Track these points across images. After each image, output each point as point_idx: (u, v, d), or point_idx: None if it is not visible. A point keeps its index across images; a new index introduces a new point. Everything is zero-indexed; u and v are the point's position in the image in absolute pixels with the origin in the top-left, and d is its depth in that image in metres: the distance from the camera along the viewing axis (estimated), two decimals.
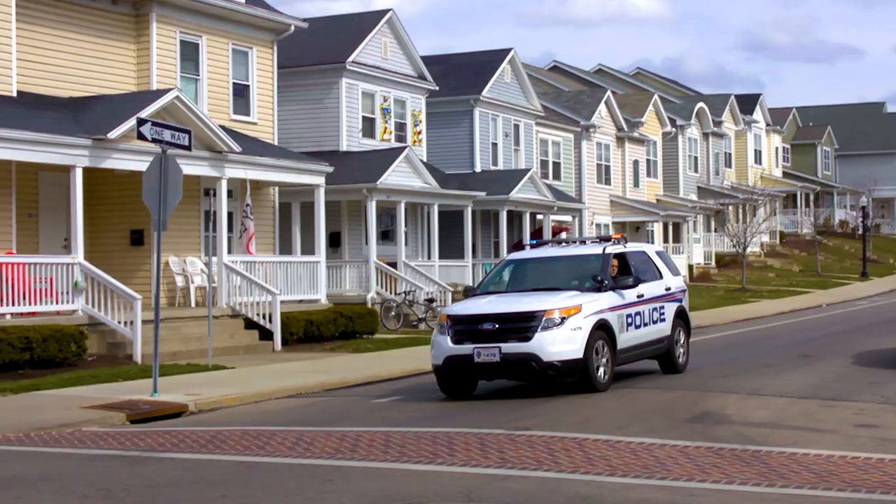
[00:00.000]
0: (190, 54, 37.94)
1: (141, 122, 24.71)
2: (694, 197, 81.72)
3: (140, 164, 29.21)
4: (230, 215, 35.96)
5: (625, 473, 13.54)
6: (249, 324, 34.42)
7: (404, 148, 47.67)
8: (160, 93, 33.15)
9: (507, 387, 23.62)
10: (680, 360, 25.51)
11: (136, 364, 28.94)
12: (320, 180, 38.74)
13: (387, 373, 27.62)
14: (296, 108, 47.33)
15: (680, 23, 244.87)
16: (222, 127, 34.78)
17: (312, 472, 14.54)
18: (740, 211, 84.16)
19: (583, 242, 26.59)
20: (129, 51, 36.23)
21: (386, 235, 48.43)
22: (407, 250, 47.27)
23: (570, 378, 21.71)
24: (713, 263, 79.67)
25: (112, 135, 30.40)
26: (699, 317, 46.98)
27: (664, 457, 14.61)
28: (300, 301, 36.81)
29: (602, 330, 22.14)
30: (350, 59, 47.62)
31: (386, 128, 50.03)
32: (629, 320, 23.39)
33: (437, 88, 53.67)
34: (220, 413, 21.93)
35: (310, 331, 35.31)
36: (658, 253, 26.97)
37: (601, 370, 21.99)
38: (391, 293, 44.22)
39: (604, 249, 24.38)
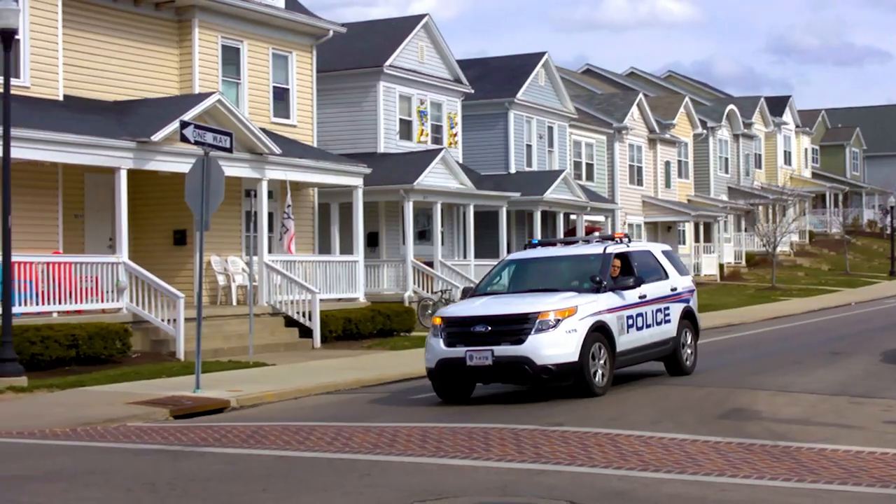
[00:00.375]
0: (231, 59, 38.02)
1: (184, 124, 24.74)
2: (724, 197, 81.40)
3: (183, 166, 29.28)
4: (270, 216, 35.96)
5: (657, 468, 13.52)
6: (289, 322, 34.42)
7: (440, 150, 47.66)
8: (202, 96, 33.22)
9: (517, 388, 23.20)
10: (687, 362, 24.45)
11: (178, 361, 29.00)
12: (358, 181, 38.72)
13: (423, 370, 27.54)
14: (334, 110, 47.26)
15: (710, 26, 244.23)
16: (263, 129, 34.83)
17: (351, 466, 14.52)
18: (770, 211, 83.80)
19: (586, 242, 25.69)
20: (172, 55, 36.35)
21: (423, 235, 48.45)
22: (443, 250, 47.25)
23: (566, 382, 20.87)
24: (743, 262, 79.40)
25: (155, 137, 30.46)
26: (730, 315, 46.94)
27: (695, 452, 14.57)
28: (339, 299, 36.81)
29: (599, 332, 21.14)
30: (387, 62, 47.59)
31: (422, 130, 49.99)
32: (630, 322, 22.35)
33: (473, 91, 53.60)
34: (260, 409, 21.94)
35: (348, 328, 35.29)
36: (665, 252, 25.89)
37: (598, 374, 20.98)
38: (428, 292, 44.15)
39: (604, 249, 23.37)
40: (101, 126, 30.62)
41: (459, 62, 53.61)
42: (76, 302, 29.20)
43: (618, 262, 23.07)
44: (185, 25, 36.50)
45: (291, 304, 34.66)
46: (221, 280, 35.78)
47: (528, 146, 58.41)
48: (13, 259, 25.74)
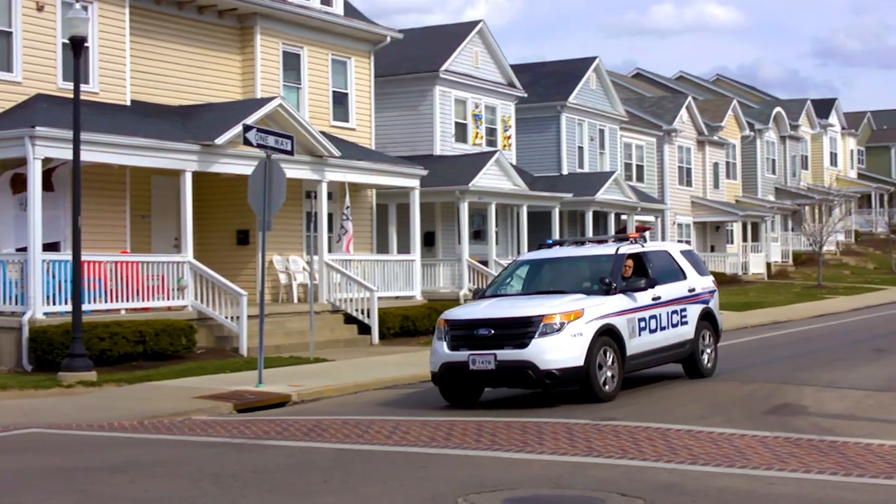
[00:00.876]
0: (292, 64, 38.10)
1: (247, 128, 24.96)
2: (772, 198, 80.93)
3: (245, 169, 29.42)
4: (330, 216, 35.98)
5: (706, 462, 13.43)
6: (349, 319, 34.46)
7: (494, 152, 47.56)
8: (264, 101, 33.26)
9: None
10: (706, 364, 23.21)
11: (241, 357, 29.11)
12: (415, 183, 38.70)
13: None
14: (392, 114, 47.27)
15: (755, 31, 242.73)
16: (322, 132, 34.84)
17: (408, 458, 14.54)
18: (816, 211, 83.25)
19: (600, 242, 24.12)
20: (235, 61, 36.44)
21: (477, 235, 48.36)
22: (497, 249, 47.08)
23: (571, 387, 19.91)
24: (790, 261, 78.84)
25: (219, 140, 30.55)
26: (777, 312, 46.65)
27: (743, 446, 14.47)
28: (396, 297, 36.81)
29: (607, 335, 20.13)
30: (443, 67, 47.56)
31: (477, 133, 49.88)
32: (642, 324, 21.23)
33: (526, 95, 53.45)
34: (321, 403, 21.98)
35: (405, 325, 35.30)
36: (684, 252, 24.59)
37: (605, 378, 19.91)
38: None
39: (616, 250, 22.30)
40: (166, 130, 30.77)
41: (512, 67, 53.44)
42: (143, 300, 29.38)
43: (630, 263, 22.11)
44: (247, 32, 36.59)
45: (350, 301, 34.66)
46: (283, 279, 35.79)
47: (580, 148, 58.24)
48: (83, 258, 25.88)
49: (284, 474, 13.71)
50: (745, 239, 72.32)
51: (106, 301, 28.52)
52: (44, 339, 26.11)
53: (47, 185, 28.44)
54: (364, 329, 34.11)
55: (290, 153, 26.13)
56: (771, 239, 75.84)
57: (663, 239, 61.75)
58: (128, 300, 29.06)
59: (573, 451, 14.50)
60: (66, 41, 27.32)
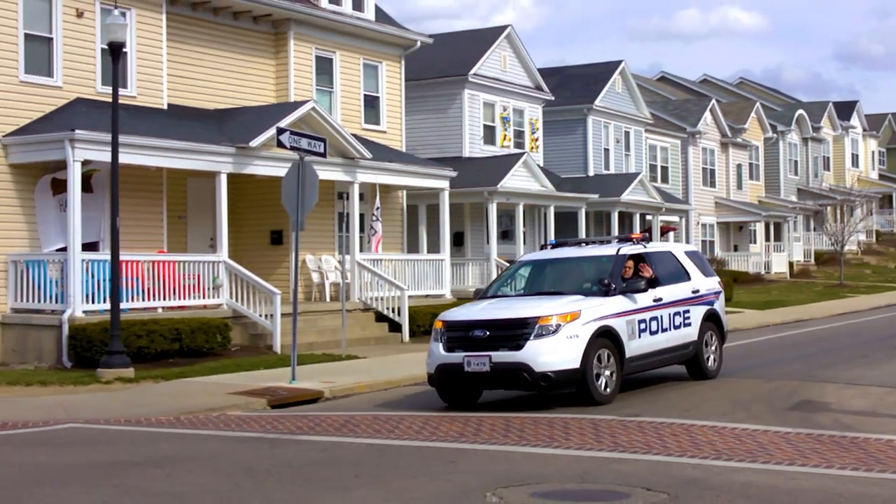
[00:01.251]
0: (324, 68, 38.10)
1: (280, 131, 24.95)
2: (794, 198, 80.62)
3: (279, 170, 29.45)
4: (361, 217, 35.98)
5: (730, 457, 13.39)
6: (380, 317, 34.39)
7: (522, 154, 47.57)
8: (297, 104, 33.30)
9: None
10: (710, 365, 22.57)
11: (275, 354, 29.13)
12: (445, 184, 38.66)
13: None
14: (422, 117, 47.33)
15: (778, 35, 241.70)
16: (354, 135, 34.84)
17: (438, 453, 14.54)
18: (838, 211, 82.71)
19: (603, 243, 23.56)
20: (269, 66, 36.44)
21: (505, 235, 48.38)
22: (525, 248, 46.79)
23: (567, 389, 19.30)
24: (812, 261, 78.53)
25: (253, 143, 30.58)
26: (799, 311, 46.46)
27: (766, 442, 14.41)
28: (426, 296, 36.72)
29: (605, 337, 19.56)
30: (472, 71, 47.52)
31: (505, 135, 49.87)
32: (642, 326, 20.63)
33: (553, 98, 53.40)
34: (352, 399, 21.98)
35: None
36: (689, 253, 23.88)
37: (603, 381, 19.32)
38: None
39: (617, 251, 21.66)
40: (202, 133, 30.84)
41: (540, 70, 53.31)
42: (179, 298, 29.41)
43: (631, 264, 21.44)
44: (281, 37, 36.59)
45: (381, 300, 34.60)
46: (315, 277, 35.81)
47: (606, 150, 58.14)
48: (122, 258, 26.01)
49: (316, 468, 13.72)
50: (767, 238, 72.06)
51: (143, 300, 28.64)
52: (83, 337, 26.17)
53: (86, 186, 28.52)
54: (395, 327, 34.07)
55: (323, 155, 26.06)
56: (793, 238, 75.57)
57: (688, 239, 61.93)
58: (165, 298, 29.08)
59: (599, 447, 14.49)
60: (105, 47, 27.50)
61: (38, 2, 29.12)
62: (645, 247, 22.32)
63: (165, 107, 31.93)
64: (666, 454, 13.77)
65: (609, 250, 22.04)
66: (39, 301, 27.67)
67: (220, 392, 22.01)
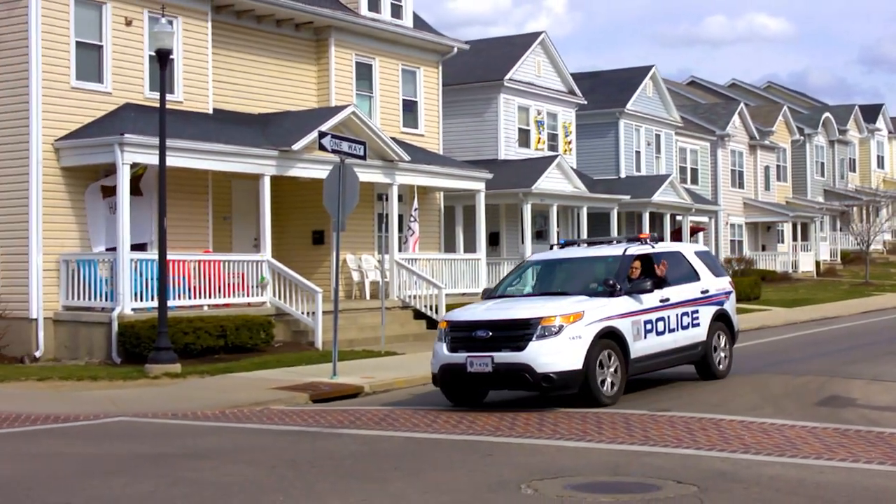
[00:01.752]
0: (364, 74, 38.15)
1: (322, 134, 25.08)
2: (821, 199, 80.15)
3: (320, 173, 29.57)
4: (400, 217, 36.02)
5: (758, 451, 13.35)
6: (418, 314, 34.54)
7: (556, 156, 47.55)
8: (338, 108, 33.41)
9: None
10: (720, 366, 22.01)
11: (317, 350, 29.18)
12: (481, 186, 38.73)
13: None
14: (459, 120, 47.33)
15: (804, 40, 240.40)
16: (393, 138, 34.93)
17: (474, 447, 14.56)
18: (864, 212, 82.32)
19: (611, 243, 23.01)
20: (311, 71, 36.53)
21: (540, 235, 48.39)
22: None
23: (569, 391, 18.70)
24: (839, 260, 78.03)
25: (296, 146, 30.71)
26: (826, 308, 46.21)
27: (794, 437, 14.36)
28: (463, 294, 36.57)
29: (609, 338, 19.04)
30: (507, 76, 47.56)
31: (539, 138, 49.89)
32: (648, 327, 20.13)
33: (586, 102, 53.35)
34: (391, 394, 22.04)
35: None
36: (699, 254, 23.32)
37: (607, 382, 18.83)
38: None
39: (624, 251, 21.20)
40: (247, 137, 30.96)
41: (572, 75, 53.26)
42: (225, 296, 29.60)
43: (637, 265, 20.90)
44: (322, 44, 36.65)
45: (420, 298, 34.76)
46: (356, 276, 35.90)
47: (637, 152, 58.15)
48: (169, 258, 26.23)
49: (357, 461, 13.76)
50: (795, 238, 71.66)
51: (190, 297, 28.83)
52: (131, 334, 26.34)
53: (135, 189, 28.70)
54: (432, 324, 33.87)
55: (363, 158, 26.08)
56: (820, 238, 75.16)
57: (716, 239, 61.85)
58: (210, 296, 29.26)
59: (631, 440, 14.48)
60: (153, 53, 27.56)
61: (89, 11, 29.30)
62: (653, 247, 21.80)
63: (211, 111, 32.09)
64: (696, 448, 13.75)
65: (616, 251, 21.58)
66: (90, 299, 27.85)
67: (264, 387, 22.12)
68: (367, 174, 32.59)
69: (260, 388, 22.05)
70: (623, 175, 56.35)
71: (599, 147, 56.80)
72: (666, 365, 21.12)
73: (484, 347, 18.75)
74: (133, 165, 27.55)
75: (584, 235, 47.81)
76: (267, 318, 29.08)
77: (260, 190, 30.78)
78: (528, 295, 21.31)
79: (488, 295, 21.97)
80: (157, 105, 25.78)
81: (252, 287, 30.19)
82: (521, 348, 18.40)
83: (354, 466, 13.38)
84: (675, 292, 21.15)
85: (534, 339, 18.38)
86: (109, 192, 28.40)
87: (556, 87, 51.29)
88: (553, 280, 21.82)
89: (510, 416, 17.37)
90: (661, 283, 20.84)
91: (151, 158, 26.87)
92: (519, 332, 18.61)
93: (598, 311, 19.07)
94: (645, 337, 20.01)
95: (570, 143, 52.29)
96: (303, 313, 30.32)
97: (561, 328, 18.40)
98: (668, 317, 20.74)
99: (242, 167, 30.39)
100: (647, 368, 20.44)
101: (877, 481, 11.57)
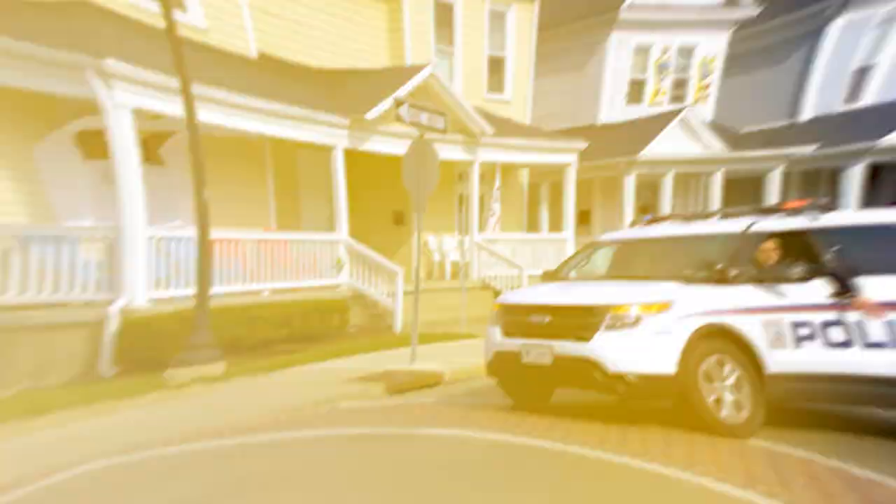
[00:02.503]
0: (444, 20, 44.93)
1: (398, 102, 28.96)
2: None
3: (394, 146, 36.99)
4: (481, 197, 43.99)
5: None
6: (498, 296, 39.12)
7: (680, 110, 53.00)
8: (414, 69, 39.92)
9: None
10: None
11: (395, 334, 34.98)
12: (572, 158, 46.21)
13: None
14: (551, 79, 54.73)
15: None
16: (475, 107, 41.93)
17: (578, 464, 16.72)
18: None
19: (727, 217, 23.07)
20: (380, 13, 43.95)
21: (644, 211, 53.10)
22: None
23: (658, 400, 19.57)
24: None
25: (369, 116, 36.67)
26: None
27: None
28: None
29: (723, 339, 19.45)
30: (625, 3, 53.16)
31: (658, 89, 56.16)
32: (804, 332, 19.84)
33: (758, 11, 55.59)
34: (473, 384, 25.49)
35: None
36: None
37: (725, 402, 19.30)
38: None
39: (747, 227, 21.20)
40: (311, 97, 36.22)
41: None
42: (292, 280, 34.60)
43: (771, 245, 20.73)
44: None
45: (500, 278, 42.72)
46: (436, 257, 44.38)
47: (859, 70, 56.63)
48: (216, 236, 29.69)
49: (432, 473, 16.17)
50: None
51: (245, 282, 32.77)
52: (144, 333, 28.19)
53: (153, 157, 32.29)
54: None
55: (443, 131, 30.09)
56: None
57: None
58: (272, 280, 33.71)
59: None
60: None
61: None
62: (815, 220, 21.13)
63: (253, 54, 37.44)
64: None
65: (732, 227, 21.62)
66: (65, 291, 28.97)
67: (332, 380, 25.46)
68: (447, 151, 39.83)
69: (327, 382, 25.29)
70: (808, 116, 57.80)
71: (770, 79, 59.38)
72: (848, 397, 20.08)
73: (541, 334, 20.55)
74: (137, 113, 28.86)
75: (717, 206, 50.51)
76: (342, 302, 34.63)
77: (332, 163, 36.50)
78: (600, 280, 22.46)
79: (552, 276, 24.04)
80: (152, 20, 29.14)
81: (324, 269, 35.83)
82: (586, 339, 19.70)
83: (428, 482, 15.74)
84: (876, 288, 20.10)
85: (602, 329, 19.59)
86: (94, 152, 30.70)
87: (703, 2, 55.45)
88: (632, 265, 22.79)
89: (619, 428, 19.54)
90: (817, 270, 20.33)
91: (163, 106, 29.20)
92: (584, 321, 19.88)
93: (697, 302, 19.68)
94: (798, 344, 19.93)
95: (707, 87, 57.17)
96: (382, 295, 36.59)
97: (638, 319, 19.35)
98: (850, 323, 20.05)
99: (309, 135, 35.24)
100: (809, 394, 20.09)
101: None
